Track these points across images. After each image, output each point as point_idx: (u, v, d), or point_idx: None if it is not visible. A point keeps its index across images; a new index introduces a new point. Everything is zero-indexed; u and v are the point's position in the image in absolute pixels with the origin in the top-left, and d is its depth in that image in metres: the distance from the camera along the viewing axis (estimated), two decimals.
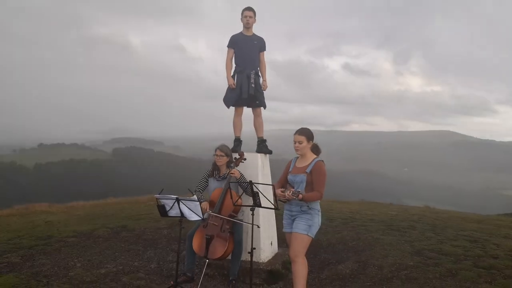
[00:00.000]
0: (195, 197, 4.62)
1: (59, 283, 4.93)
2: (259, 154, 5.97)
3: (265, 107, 6.21)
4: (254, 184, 4.41)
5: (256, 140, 6.29)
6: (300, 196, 4.35)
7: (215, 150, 5.55)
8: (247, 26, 6.05)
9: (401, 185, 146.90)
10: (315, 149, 4.78)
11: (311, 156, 4.67)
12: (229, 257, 5.30)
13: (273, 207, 4.62)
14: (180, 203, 4.63)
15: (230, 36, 6.15)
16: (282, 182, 4.77)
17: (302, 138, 4.61)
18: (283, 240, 7.39)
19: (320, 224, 4.69)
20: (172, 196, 4.64)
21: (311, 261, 6.52)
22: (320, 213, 4.68)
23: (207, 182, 5.62)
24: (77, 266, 5.59)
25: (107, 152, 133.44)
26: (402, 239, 7.33)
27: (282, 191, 4.44)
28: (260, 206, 4.46)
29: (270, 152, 6.19)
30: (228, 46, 6.15)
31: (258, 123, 6.19)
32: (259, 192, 4.42)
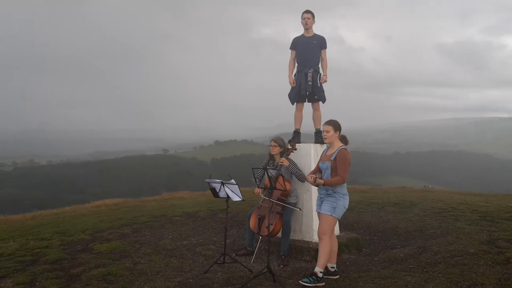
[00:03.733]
0: (233, 181, 5.52)
1: (147, 248, 6.34)
2: (312, 144, 6.55)
3: (323, 101, 6.76)
4: (267, 169, 5.16)
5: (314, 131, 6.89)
6: (320, 181, 4.93)
7: (270, 141, 6.35)
8: (306, 27, 6.67)
9: None
10: (344, 140, 5.26)
11: (337, 145, 5.17)
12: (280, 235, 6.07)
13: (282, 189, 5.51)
14: (225, 186, 5.59)
15: (292, 39, 6.86)
16: (316, 169, 5.36)
17: (329, 128, 5.14)
18: (342, 224, 7.81)
19: (346, 206, 5.14)
20: (217, 180, 5.63)
21: (378, 245, 6.84)
22: (346, 197, 5.13)
23: (263, 171, 6.44)
24: (168, 238, 6.97)
25: None
26: (485, 229, 7.06)
27: (310, 177, 5.07)
28: (276, 188, 5.19)
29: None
30: (290, 48, 6.85)
31: (316, 116, 6.77)
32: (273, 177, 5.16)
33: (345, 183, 5.10)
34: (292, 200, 6.24)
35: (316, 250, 6.08)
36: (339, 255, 6.19)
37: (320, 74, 6.67)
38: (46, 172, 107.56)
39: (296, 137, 6.79)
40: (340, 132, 5.19)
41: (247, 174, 6.44)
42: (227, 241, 7.00)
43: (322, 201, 5.15)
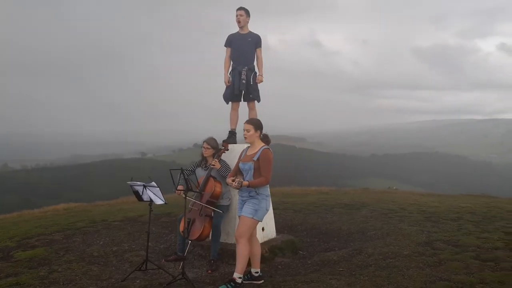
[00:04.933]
0: (153, 183, 5.28)
1: (70, 255, 6.03)
2: (246, 145, 6.34)
3: (258, 101, 6.58)
4: (184, 171, 4.94)
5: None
6: (245, 183, 4.72)
7: (203, 143, 6.12)
8: (239, 25, 6.48)
9: None
10: (265, 139, 5.07)
11: (259, 145, 4.98)
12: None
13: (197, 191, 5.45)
14: (147, 189, 5.34)
15: (227, 36, 6.66)
16: (235, 170, 5.14)
17: (250, 127, 4.95)
18: (287, 226, 7.65)
19: (268, 208, 4.96)
20: (139, 183, 5.37)
21: (317, 247, 6.68)
22: (268, 198, 4.95)
23: (193, 171, 6.20)
24: (99, 244, 6.66)
25: None
26: (426, 230, 6.99)
27: (232, 180, 4.83)
28: (192, 190, 4.97)
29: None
30: (225, 45, 6.65)
31: (251, 116, 6.57)
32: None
33: (268, 185, 4.92)
34: (224, 202, 6.03)
35: None
36: (272, 258, 6.03)
37: (255, 73, 6.49)
38: (21, 176, 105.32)
39: (231, 137, 6.58)
40: (261, 132, 5.01)
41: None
42: (162, 246, 6.77)
43: (244, 203, 4.94)
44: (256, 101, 6.58)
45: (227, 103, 6.64)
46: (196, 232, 5.66)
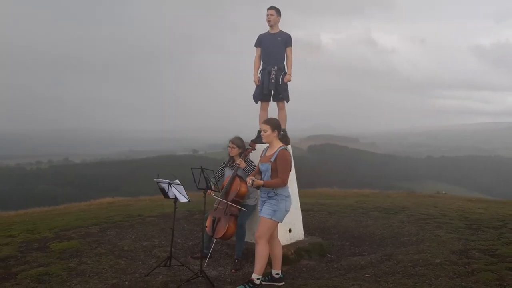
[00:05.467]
0: (177, 181, 5.35)
1: (102, 248, 6.24)
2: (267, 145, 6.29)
3: (287, 101, 6.51)
4: (204, 169, 4.95)
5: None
6: (260, 182, 4.70)
7: (229, 142, 6.15)
8: (270, 24, 6.45)
9: None
10: (284, 139, 5.03)
11: (277, 145, 4.93)
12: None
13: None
14: (172, 187, 5.43)
15: (258, 36, 6.64)
16: (256, 171, 5.13)
17: (267, 127, 4.90)
18: (319, 228, 7.52)
19: (288, 209, 4.88)
20: (164, 180, 5.47)
21: (346, 251, 6.53)
22: (288, 199, 4.87)
23: (223, 171, 6.25)
24: (131, 238, 6.85)
25: (303, 149, 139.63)
26: (463, 238, 6.64)
27: (249, 179, 4.83)
28: (211, 189, 4.98)
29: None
30: (255, 45, 6.64)
31: (281, 116, 6.52)
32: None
33: (287, 185, 4.85)
34: (250, 202, 6.02)
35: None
36: (297, 260, 5.95)
37: (285, 73, 6.43)
38: (80, 170, 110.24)
39: (260, 137, 6.53)
40: (279, 132, 4.95)
41: None
42: (191, 243, 6.87)
43: (264, 204, 4.91)
44: (285, 101, 6.52)
45: (256, 102, 6.63)
46: (220, 230, 5.69)
